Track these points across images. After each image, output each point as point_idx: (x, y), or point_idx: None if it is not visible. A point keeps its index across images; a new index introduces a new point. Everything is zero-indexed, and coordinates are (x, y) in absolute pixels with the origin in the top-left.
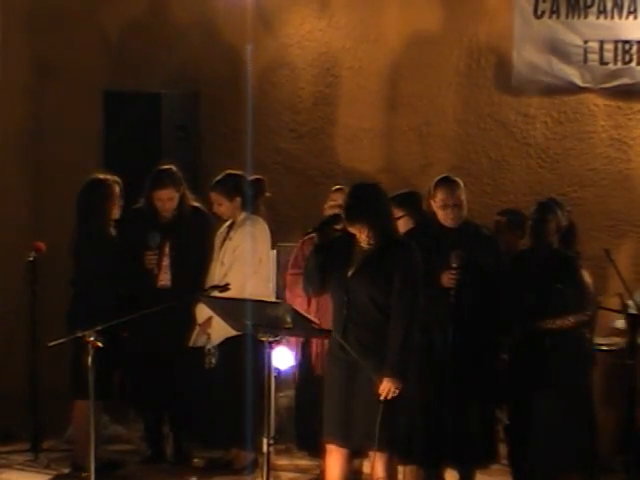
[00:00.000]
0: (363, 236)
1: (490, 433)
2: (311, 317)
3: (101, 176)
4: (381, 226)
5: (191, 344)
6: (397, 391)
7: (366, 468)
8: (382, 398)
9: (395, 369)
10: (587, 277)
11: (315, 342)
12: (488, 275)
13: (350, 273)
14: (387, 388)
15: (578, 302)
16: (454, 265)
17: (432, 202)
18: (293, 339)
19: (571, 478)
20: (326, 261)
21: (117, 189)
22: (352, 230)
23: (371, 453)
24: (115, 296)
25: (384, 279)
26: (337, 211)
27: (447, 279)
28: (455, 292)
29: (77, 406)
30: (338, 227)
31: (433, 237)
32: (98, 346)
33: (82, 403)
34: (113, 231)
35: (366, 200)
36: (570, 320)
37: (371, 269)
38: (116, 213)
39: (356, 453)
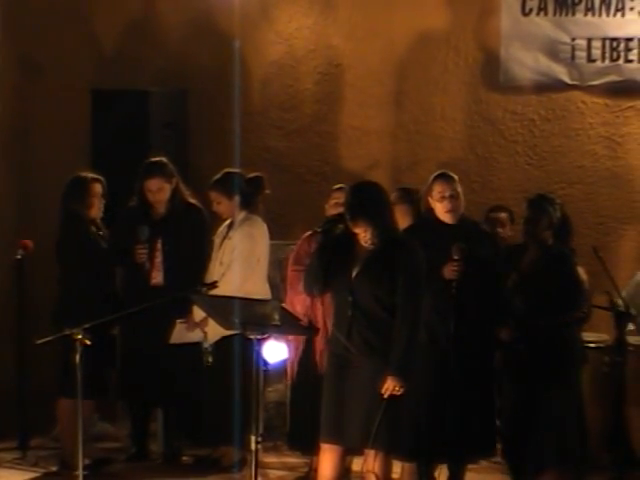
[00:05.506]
0: (368, 235)
1: (491, 426)
2: (308, 316)
3: (82, 174)
4: (383, 225)
5: (172, 341)
6: (401, 390)
7: (356, 466)
8: (385, 397)
9: (400, 368)
10: (582, 274)
11: (319, 340)
12: (489, 268)
13: (354, 273)
14: (391, 387)
15: (572, 299)
16: (455, 257)
17: (430, 198)
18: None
19: (561, 475)
20: (329, 261)
21: (98, 187)
22: (355, 230)
23: (367, 451)
24: (100, 295)
25: (389, 279)
26: (340, 210)
27: (449, 271)
28: (457, 284)
29: (61, 404)
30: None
31: (433, 232)
32: (86, 344)
33: (66, 401)
34: (94, 229)
35: (368, 199)
36: (564, 317)
37: (375, 269)
38: (96, 211)
39: (351, 452)
